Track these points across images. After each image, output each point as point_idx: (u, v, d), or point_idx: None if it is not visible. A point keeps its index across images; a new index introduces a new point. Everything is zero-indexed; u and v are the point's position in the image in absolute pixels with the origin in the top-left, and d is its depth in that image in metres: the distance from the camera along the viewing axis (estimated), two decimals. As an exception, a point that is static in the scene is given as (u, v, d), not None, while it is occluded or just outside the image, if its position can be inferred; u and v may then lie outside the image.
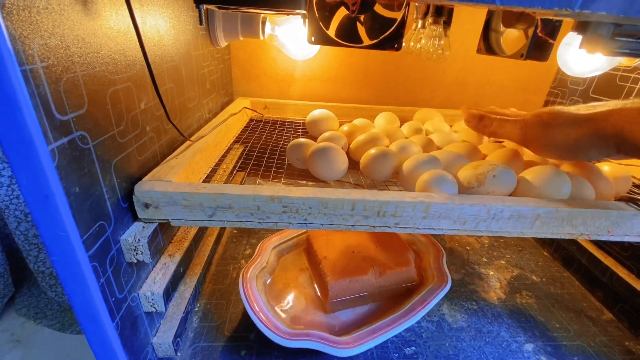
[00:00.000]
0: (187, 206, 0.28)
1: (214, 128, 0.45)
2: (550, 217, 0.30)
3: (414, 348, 0.41)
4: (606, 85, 0.57)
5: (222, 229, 0.56)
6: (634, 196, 0.40)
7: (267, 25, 0.51)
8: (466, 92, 0.69)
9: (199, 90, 0.46)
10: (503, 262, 0.57)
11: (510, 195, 0.33)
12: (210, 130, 0.44)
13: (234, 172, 0.44)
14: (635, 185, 0.42)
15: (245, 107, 0.60)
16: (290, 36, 0.52)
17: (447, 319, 0.45)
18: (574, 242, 0.55)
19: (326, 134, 0.46)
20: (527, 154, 0.43)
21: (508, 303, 0.49)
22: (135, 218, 0.29)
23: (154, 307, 0.30)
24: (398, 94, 0.69)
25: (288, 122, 0.63)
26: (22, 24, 0.18)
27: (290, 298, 0.44)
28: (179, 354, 0.37)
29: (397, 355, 0.40)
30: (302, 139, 0.43)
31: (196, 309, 0.43)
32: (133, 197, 0.27)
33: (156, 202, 0.28)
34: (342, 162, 0.39)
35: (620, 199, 0.38)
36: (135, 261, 0.28)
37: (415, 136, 0.48)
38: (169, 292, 0.32)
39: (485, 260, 0.58)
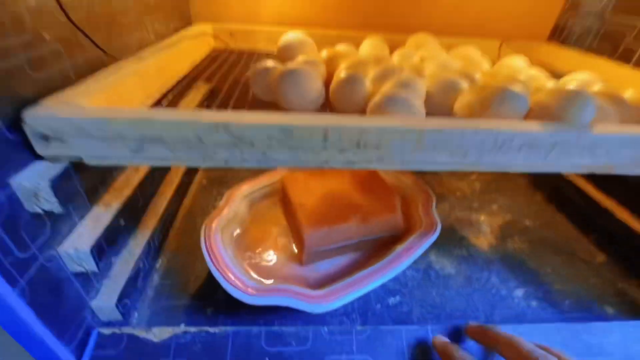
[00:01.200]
0: (103, 138, 0.21)
1: (159, 51, 0.36)
2: (570, 145, 0.24)
3: (398, 297, 0.38)
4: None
5: (187, 177, 0.49)
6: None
7: None
8: (466, 17, 0.60)
9: (137, 2, 0.36)
10: (495, 207, 0.54)
11: (519, 123, 0.27)
12: (152, 53, 0.35)
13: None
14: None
15: (207, 33, 0.50)
16: None
17: (434, 267, 0.42)
18: (572, 184, 0.51)
19: (299, 58, 0.38)
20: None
21: (499, 249, 0.45)
22: (37, 156, 0.22)
23: (83, 267, 0.25)
24: (388, 19, 0.59)
25: (258, 53, 0.54)
26: None
27: (262, 251, 0.39)
28: (135, 314, 0.32)
29: (379, 305, 0.37)
30: (268, 63, 0.35)
31: (157, 267, 0.39)
32: (23, 125, 0.20)
33: (59, 132, 0.20)
34: (317, 88, 0.32)
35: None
36: (40, 211, 0.21)
37: (404, 62, 0.41)
38: (102, 249, 0.26)
39: (477, 205, 0.54)
